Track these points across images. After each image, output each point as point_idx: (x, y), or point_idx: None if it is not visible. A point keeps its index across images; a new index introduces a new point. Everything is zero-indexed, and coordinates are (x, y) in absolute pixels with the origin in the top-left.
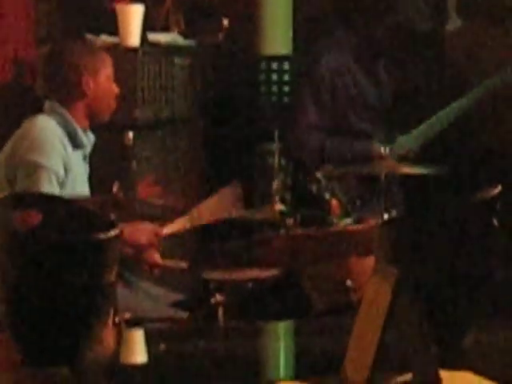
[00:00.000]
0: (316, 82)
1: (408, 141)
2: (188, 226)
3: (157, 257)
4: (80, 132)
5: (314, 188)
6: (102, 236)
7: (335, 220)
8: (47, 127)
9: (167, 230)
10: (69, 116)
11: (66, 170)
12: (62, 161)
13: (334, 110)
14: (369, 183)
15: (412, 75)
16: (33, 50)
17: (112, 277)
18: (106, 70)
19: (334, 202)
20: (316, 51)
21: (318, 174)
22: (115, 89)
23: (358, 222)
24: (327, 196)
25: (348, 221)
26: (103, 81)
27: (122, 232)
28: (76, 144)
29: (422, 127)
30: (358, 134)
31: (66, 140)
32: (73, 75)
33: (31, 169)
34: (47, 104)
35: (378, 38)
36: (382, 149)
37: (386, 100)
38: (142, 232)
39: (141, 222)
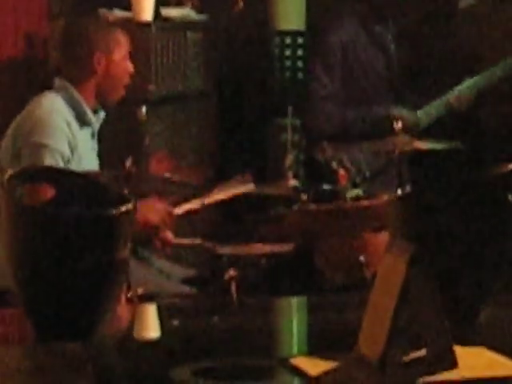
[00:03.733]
0: (327, 54)
1: (433, 108)
2: (200, 205)
3: (169, 235)
4: (88, 111)
5: (321, 158)
6: (116, 211)
7: (343, 190)
8: (52, 106)
9: (179, 209)
10: (77, 94)
11: (71, 148)
12: (66, 140)
13: (347, 80)
14: (380, 156)
15: (423, 48)
16: (45, 25)
17: (125, 252)
18: (121, 50)
19: (342, 171)
20: (325, 23)
21: (325, 144)
22: (129, 69)
23: (371, 196)
24: (334, 165)
25: (356, 192)
26: (117, 60)
27: (135, 207)
28: (83, 122)
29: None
30: (372, 104)
31: (72, 118)
32: (85, 51)
33: (35, 149)
34: (57, 81)
35: (385, 7)
36: (395, 123)
37: (394, 69)
38: (155, 212)
39: (154, 201)
